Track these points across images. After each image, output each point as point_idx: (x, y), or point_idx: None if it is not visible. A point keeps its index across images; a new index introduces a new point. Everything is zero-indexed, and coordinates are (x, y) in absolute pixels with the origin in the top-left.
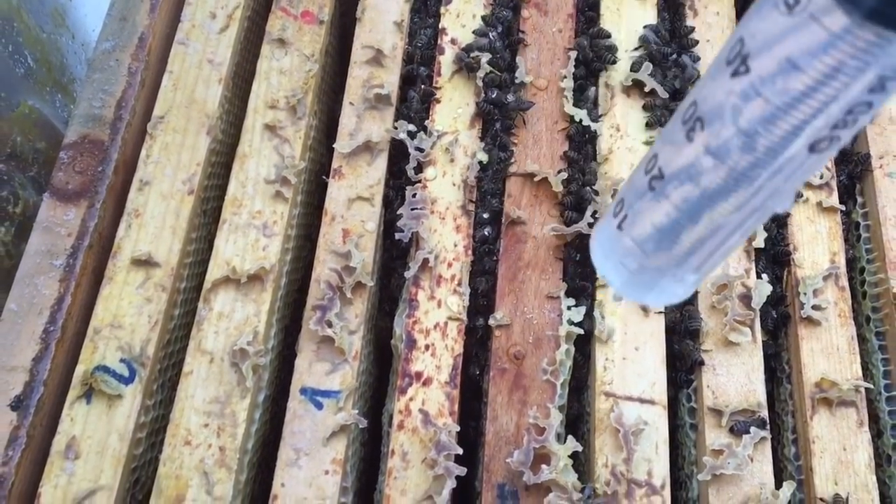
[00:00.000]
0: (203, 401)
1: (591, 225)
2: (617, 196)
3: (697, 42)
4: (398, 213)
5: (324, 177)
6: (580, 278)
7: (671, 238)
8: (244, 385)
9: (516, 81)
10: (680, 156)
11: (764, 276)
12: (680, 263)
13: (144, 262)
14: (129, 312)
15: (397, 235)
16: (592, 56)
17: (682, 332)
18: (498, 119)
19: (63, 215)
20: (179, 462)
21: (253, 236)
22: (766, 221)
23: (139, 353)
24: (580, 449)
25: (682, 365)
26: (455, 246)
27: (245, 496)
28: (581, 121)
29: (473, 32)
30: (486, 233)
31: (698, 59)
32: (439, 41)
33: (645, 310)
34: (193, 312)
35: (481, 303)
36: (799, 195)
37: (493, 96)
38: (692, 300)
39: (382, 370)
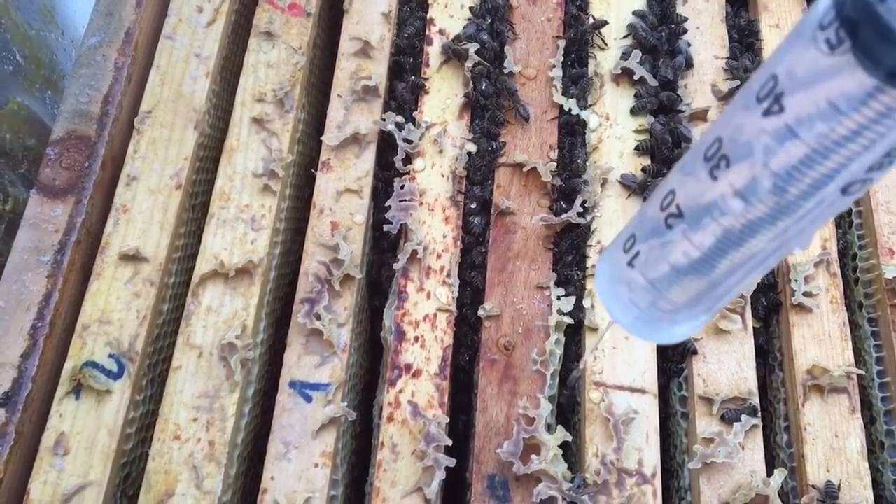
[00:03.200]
0: (192, 395)
1: (580, 214)
2: (625, 231)
3: (686, 31)
4: (386, 204)
5: (312, 170)
6: (570, 267)
7: (689, 278)
8: (233, 379)
9: (505, 72)
10: (702, 195)
11: None
12: (694, 304)
13: (132, 258)
14: (117, 308)
15: (385, 227)
16: (577, 46)
17: None
18: (488, 109)
19: (50, 211)
20: (168, 457)
21: (241, 230)
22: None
23: (128, 349)
24: (570, 439)
25: (674, 354)
26: (444, 237)
27: (236, 490)
28: (570, 110)
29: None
30: (475, 223)
31: (688, 44)
32: (427, 32)
33: None
34: (182, 307)
35: (468, 293)
36: None
37: (483, 87)
38: None
39: (374, 362)
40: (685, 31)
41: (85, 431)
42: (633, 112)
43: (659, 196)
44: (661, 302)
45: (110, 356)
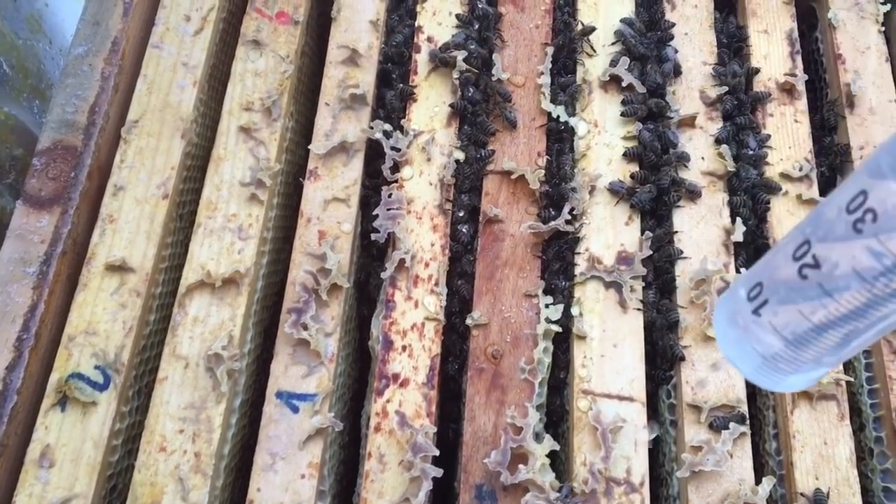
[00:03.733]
0: (178, 406)
1: (568, 222)
2: (750, 275)
3: (673, 37)
4: (374, 213)
5: (300, 178)
6: (558, 275)
7: (825, 333)
8: (219, 390)
9: (493, 79)
10: (846, 251)
11: (743, 270)
12: (822, 357)
13: (119, 268)
14: (103, 319)
15: (373, 236)
16: (565, 54)
17: (661, 326)
18: (477, 115)
19: (36, 222)
20: (154, 469)
21: (228, 240)
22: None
23: (114, 360)
24: (557, 448)
25: (663, 361)
26: (432, 246)
27: (223, 501)
28: (559, 117)
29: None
30: (463, 231)
31: (676, 51)
32: (415, 39)
33: (623, 306)
34: (170, 318)
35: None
36: (778, 188)
37: (471, 94)
38: (670, 294)
39: (363, 371)
40: (672, 38)
41: (70, 443)
42: (624, 115)
43: (790, 243)
44: (792, 353)
45: (96, 367)
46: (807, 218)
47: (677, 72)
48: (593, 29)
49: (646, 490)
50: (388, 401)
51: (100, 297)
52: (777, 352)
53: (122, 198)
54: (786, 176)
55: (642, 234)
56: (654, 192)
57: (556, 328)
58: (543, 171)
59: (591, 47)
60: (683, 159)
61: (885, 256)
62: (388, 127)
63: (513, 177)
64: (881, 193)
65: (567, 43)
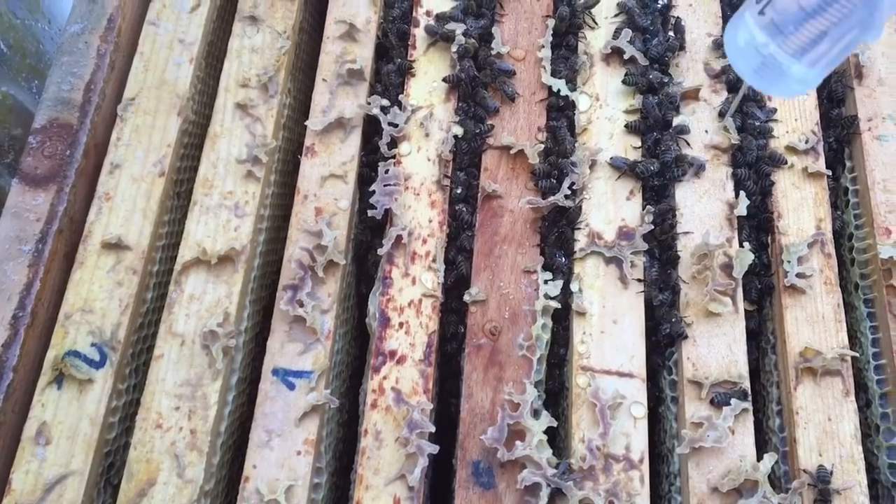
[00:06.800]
0: (174, 384)
1: (567, 197)
2: None
3: (675, 6)
4: (371, 189)
5: (298, 155)
6: (557, 251)
7: (809, 21)
8: (215, 367)
9: (493, 52)
10: None
11: (746, 244)
12: (805, 52)
13: (115, 246)
14: (100, 297)
15: (370, 212)
16: (566, 26)
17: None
18: (477, 86)
19: (32, 200)
20: (150, 445)
21: (224, 217)
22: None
23: (110, 338)
24: (555, 424)
25: (664, 337)
26: (430, 222)
27: (220, 478)
28: (559, 91)
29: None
30: (461, 208)
31: (682, 21)
32: (414, 13)
33: (623, 282)
34: (166, 296)
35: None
36: (784, 161)
37: (467, 67)
38: (674, 266)
39: (362, 349)
40: (673, 6)
41: (67, 421)
42: (626, 83)
43: None
44: (784, 44)
45: (92, 345)
46: None
47: (682, 47)
48: (596, 2)
49: (645, 467)
50: (384, 377)
51: (96, 275)
52: (775, 46)
53: (119, 175)
54: (792, 149)
55: (643, 209)
56: (658, 165)
57: (555, 304)
58: (543, 146)
59: (593, 20)
60: (683, 132)
61: None
62: (385, 102)
63: (512, 152)
64: None
65: (568, 15)
